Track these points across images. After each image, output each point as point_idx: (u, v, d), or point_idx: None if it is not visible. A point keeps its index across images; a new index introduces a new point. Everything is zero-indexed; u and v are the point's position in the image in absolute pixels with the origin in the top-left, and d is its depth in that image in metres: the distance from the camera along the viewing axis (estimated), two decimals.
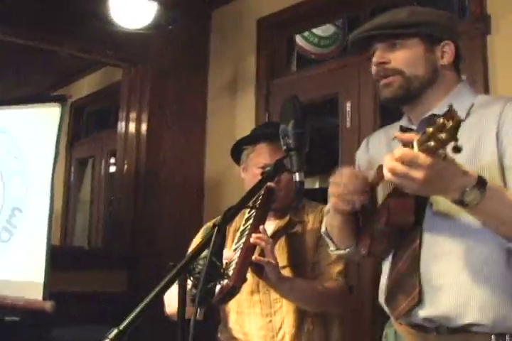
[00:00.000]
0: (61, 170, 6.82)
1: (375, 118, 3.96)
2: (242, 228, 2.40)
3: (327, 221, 2.11)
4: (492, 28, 3.34)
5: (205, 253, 1.46)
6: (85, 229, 6.95)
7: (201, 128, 5.05)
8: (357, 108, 4.06)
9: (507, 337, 1.67)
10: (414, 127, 1.95)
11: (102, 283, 4.45)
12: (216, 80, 5.09)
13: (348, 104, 4.10)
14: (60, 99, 3.60)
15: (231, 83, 4.93)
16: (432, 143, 1.34)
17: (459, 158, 1.44)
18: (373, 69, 1.94)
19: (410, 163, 1.39)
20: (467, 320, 1.69)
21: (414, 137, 1.41)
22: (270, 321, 2.44)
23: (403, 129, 1.99)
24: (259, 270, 2.24)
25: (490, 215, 1.58)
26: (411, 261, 1.79)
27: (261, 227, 2.31)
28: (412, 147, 1.40)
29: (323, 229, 2.15)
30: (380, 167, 1.85)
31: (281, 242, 2.51)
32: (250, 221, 2.36)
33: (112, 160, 6.50)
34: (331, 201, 1.87)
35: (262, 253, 2.27)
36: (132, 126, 4.89)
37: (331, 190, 1.84)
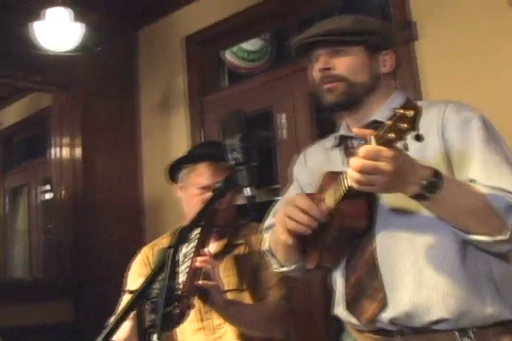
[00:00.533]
0: None
1: (312, 127, 3.99)
2: (184, 250, 2.31)
3: (271, 238, 2.05)
4: (418, 34, 3.42)
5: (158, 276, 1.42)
6: (25, 260, 6.76)
7: (136, 149, 4.99)
8: (292, 119, 4.08)
9: (470, 332, 1.68)
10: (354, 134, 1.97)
11: (48, 314, 4.31)
12: (148, 100, 5.04)
13: (283, 116, 4.11)
14: None
15: (163, 102, 4.90)
16: (392, 135, 1.35)
17: None
18: (317, 74, 1.95)
19: (376, 157, 1.41)
20: (432, 317, 1.69)
21: (371, 133, 1.42)
22: None
23: (343, 137, 2.01)
24: (204, 294, 2.18)
25: (447, 206, 1.58)
26: (370, 265, 1.78)
27: (206, 250, 2.26)
28: (370, 143, 1.41)
29: (266, 247, 2.09)
30: (328, 174, 1.85)
31: (225, 265, 2.46)
32: (193, 243, 2.30)
33: (47, 188, 6.38)
34: (286, 223, 1.78)
35: (206, 277, 2.22)
36: (66, 152, 4.79)
37: (289, 211, 1.76)
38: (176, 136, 4.70)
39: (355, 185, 1.49)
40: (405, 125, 1.33)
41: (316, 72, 1.96)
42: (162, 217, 4.65)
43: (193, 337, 2.40)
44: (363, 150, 1.42)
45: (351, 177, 1.48)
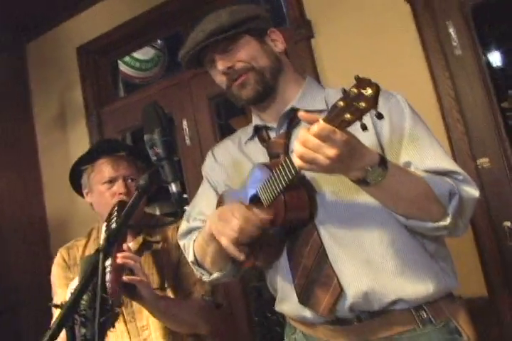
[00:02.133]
0: None
1: (214, 132, 3.97)
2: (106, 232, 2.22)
3: (196, 249, 1.97)
4: (314, 32, 3.48)
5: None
6: None
7: (35, 168, 4.80)
8: (194, 125, 4.03)
9: (424, 307, 1.71)
10: (271, 125, 1.93)
11: None
12: (43, 115, 4.87)
13: (185, 122, 4.06)
14: None
15: (59, 116, 4.75)
16: (348, 116, 1.30)
17: None
18: (222, 78, 1.90)
19: (326, 138, 1.35)
20: (390, 297, 1.69)
21: (317, 117, 1.37)
22: None
23: (260, 127, 1.97)
24: (130, 291, 2.09)
25: (389, 193, 1.57)
26: (316, 253, 1.74)
27: (125, 246, 2.17)
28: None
29: (191, 259, 2.00)
30: (258, 166, 1.78)
31: (144, 263, 2.38)
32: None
33: None
34: (223, 240, 1.72)
35: (130, 273, 2.13)
36: None
37: (222, 228, 1.72)
38: (76, 150, 4.54)
39: (297, 162, 1.43)
40: (363, 104, 1.28)
41: (220, 77, 1.91)
42: (67, 233, 4.47)
43: None
44: (318, 127, 1.35)
45: (296, 150, 1.41)
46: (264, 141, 1.94)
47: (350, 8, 3.35)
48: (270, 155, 1.88)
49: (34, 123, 4.91)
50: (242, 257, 1.71)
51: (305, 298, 1.78)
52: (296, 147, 1.41)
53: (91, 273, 1.23)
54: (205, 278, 2.00)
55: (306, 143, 1.38)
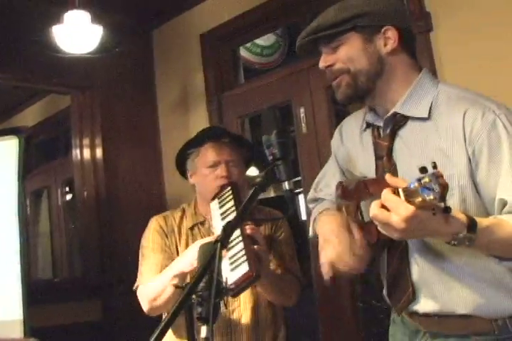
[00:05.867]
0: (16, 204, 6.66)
1: (331, 121, 4.00)
2: (220, 210, 2.43)
3: (316, 229, 2.05)
4: (433, 25, 3.42)
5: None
6: (47, 262, 6.82)
7: (156, 148, 5.03)
8: (311, 113, 4.09)
9: (503, 320, 1.72)
10: (379, 124, 1.93)
11: (77, 314, 4.36)
12: (166, 98, 5.08)
13: (302, 110, 4.13)
14: (18, 132, 3.54)
15: (181, 100, 4.94)
16: (420, 199, 1.37)
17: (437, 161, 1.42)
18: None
19: (392, 209, 1.45)
20: (462, 311, 1.74)
21: (400, 184, 1.45)
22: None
23: (369, 125, 1.98)
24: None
25: (480, 249, 1.64)
26: (400, 261, 1.84)
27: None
28: (399, 194, 1.44)
29: (311, 234, 2.11)
30: (363, 182, 1.80)
31: None
32: (232, 215, 2.35)
33: (67, 189, 6.42)
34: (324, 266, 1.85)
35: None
36: (87, 153, 4.84)
37: (322, 250, 1.86)
38: (196, 132, 4.71)
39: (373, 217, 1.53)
40: (432, 197, 1.34)
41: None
42: None
43: None
44: (387, 197, 1.46)
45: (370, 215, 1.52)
46: (374, 138, 1.95)
47: (471, 1, 3.27)
48: (376, 156, 1.92)
49: (157, 105, 5.13)
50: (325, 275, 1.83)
51: (389, 294, 1.92)
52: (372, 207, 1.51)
53: (210, 261, 1.34)
54: None
55: (374, 216, 1.50)
